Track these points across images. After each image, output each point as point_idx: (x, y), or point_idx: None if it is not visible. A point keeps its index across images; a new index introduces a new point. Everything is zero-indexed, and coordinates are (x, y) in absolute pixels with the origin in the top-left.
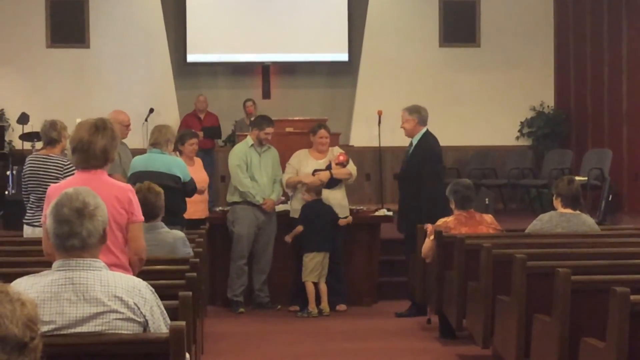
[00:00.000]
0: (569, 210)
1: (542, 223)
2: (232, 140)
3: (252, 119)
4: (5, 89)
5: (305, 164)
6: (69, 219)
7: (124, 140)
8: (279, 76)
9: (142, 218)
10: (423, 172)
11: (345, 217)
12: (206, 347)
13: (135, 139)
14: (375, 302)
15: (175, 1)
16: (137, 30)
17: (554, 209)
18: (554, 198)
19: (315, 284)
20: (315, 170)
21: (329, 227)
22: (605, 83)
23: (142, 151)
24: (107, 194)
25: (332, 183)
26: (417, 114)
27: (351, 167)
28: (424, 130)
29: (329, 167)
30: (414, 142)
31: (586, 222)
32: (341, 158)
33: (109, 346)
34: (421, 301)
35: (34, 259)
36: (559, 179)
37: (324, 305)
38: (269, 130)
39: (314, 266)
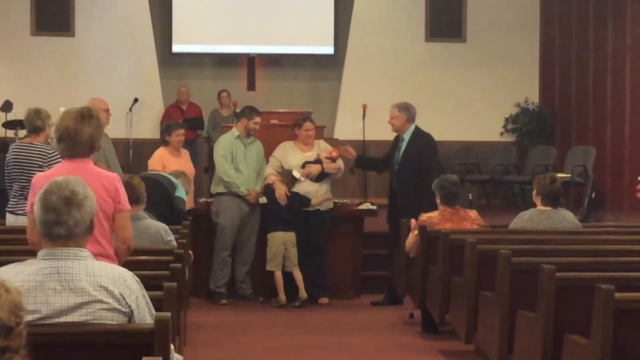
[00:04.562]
0: (548, 208)
1: (522, 222)
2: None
3: (236, 110)
4: None
5: (292, 156)
6: (56, 206)
7: (105, 131)
8: (265, 68)
9: (129, 207)
10: (424, 165)
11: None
12: (188, 339)
13: (119, 128)
14: (358, 296)
15: None
16: (122, 19)
17: (535, 205)
18: (534, 194)
19: (288, 273)
20: (306, 163)
21: (293, 208)
22: (590, 81)
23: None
24: (94, 183)
25: (320, 177)
26: (407, 111)
27: (339, 162)
28: (413, 126)
29: (318, 161)
30: (405, 138)
31: (566, 217)
32: (334, 154)
33: (93, 336)
34: (403, 295)
35: (16, 248)
36: (541, 176)
37: (302, 292)
38: (258, 119)
39: (275, 253)
